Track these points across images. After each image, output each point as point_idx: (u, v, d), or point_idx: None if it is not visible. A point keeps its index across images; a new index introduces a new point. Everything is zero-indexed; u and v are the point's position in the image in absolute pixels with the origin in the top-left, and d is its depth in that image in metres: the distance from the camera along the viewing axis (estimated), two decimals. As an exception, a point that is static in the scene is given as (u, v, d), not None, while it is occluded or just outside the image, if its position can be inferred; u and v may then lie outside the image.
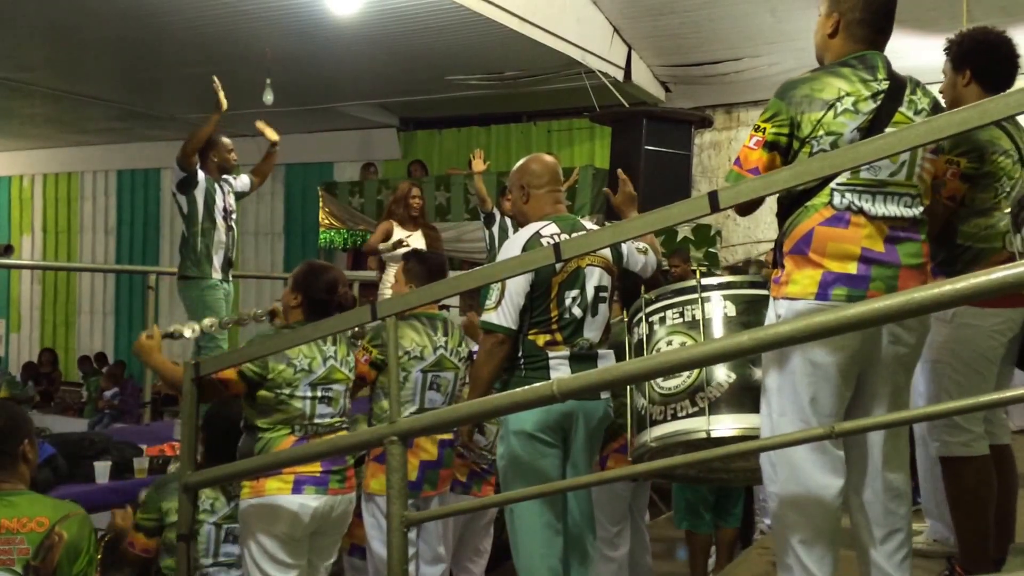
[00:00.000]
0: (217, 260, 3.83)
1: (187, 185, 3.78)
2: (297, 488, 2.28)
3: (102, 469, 2.92)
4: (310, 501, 2.29)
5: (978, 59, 1.95)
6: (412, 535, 2.83)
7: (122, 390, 7.50)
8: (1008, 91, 1.40)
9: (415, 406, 2.78)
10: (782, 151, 1.62)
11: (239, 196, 4.09)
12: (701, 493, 3.00)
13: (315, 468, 2.29)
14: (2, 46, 5.83)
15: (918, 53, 2.41)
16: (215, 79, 3.82)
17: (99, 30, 5.45)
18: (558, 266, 2.15)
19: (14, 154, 9.73)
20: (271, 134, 4.11)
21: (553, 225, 2.22)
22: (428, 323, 2.87)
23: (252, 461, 2.26)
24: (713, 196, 1.51)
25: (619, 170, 2.53)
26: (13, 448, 1.92)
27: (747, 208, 1.69)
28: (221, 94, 3.77)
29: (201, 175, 3.80)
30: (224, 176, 3.96)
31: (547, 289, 2.16)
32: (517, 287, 2.14)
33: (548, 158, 2.38)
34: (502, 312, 2.14)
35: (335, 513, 2.36)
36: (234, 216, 3.96)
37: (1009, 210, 1.83)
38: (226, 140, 3.92)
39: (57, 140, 9.07)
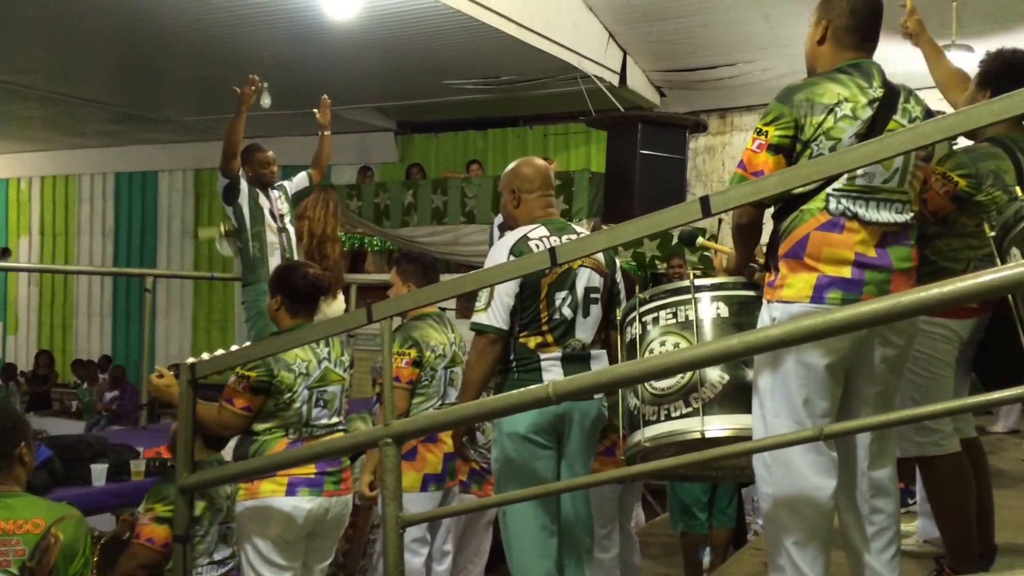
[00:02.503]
0: (273, 262, 3.83)
1: (231, 194, 3.83)
2: (291, 490, 2.29)
3: (99, 472, 2.92)
4: (304, 503, 2.29)
5: (999, 80, 1.97)
6: (428, 534, 2.87)
7: (121, 393, 7.49)
8: (992, 99, 1.41)
9: (440, 402, 2.85)
10: (787, 153, 1.64)
11: (300, 196, 4.08)
12: (695, 494, 3.02)
13: (309, 470, 2.30)
14: (0, 49, 5.84)
15: (909, 60, 2.43)
16: (252, 81, 3.73)
17: (97, 33, 5.46)
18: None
19: (11, 156, 9.73)
20: (321, 117, 4.09)
21: (542, 228, 2.24)
22: (439, 321, 2.94)
23: (248, 463, 2.27)
24: (705, 201, 1.53)
25: None
26: (9, 450, 1.93)
27: (751, 232, 1.71)
28: (249, 89, 3.73)
29: (244, 183, 3.86)
30: (274, 185, 4.01)
31: (536, 290, 2.18)
32: (506, 288, 2.15)
33: (539, 162, 2.39)
34: (492, 313, 2.16)
35: (330, 515, 2.37)
36: (287, 219, 3.98)
37: (993, 234, 1.85)
38: (263, 154, 3.94)
39: (54, 143, 9.07)
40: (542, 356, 2.18)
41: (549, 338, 2.19)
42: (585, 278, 2.24)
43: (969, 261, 1.91)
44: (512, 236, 2.25)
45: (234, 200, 3.84)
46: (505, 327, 2.16)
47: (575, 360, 2.20)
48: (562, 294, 2.20)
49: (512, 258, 2.15)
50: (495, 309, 2.16)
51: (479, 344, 2.19)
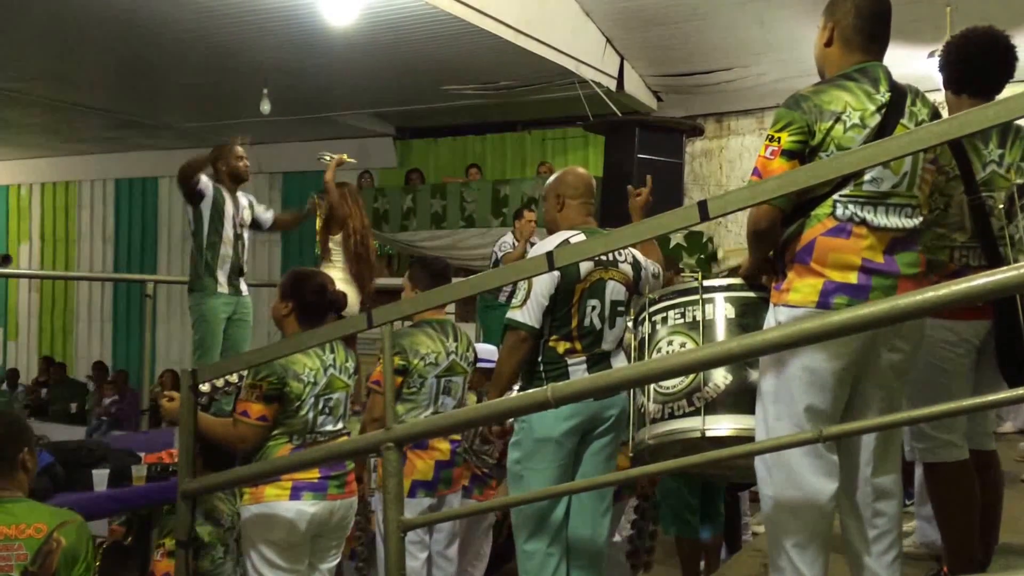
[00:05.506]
0: (222, 273, 3.87)
1: (194, 197, 3.85)
2: (295, 494, 2.29)
3: (100, 477, 2.92)
4: (307, 507, 2.30)
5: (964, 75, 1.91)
6: (426, 537, 2.88)
7: (121, 398, 7.50)
8: (987, 104, 1.42)
9: (430, 410, 2.84)
10: (801, 159, 1.63)
11: (255, 226, 4.13)
12: (684, 499, 3.03)
13: (313, 474, 2.31)
14: (0, 56, 5.86)
15: (902, 63, 2.44)
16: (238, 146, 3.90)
17: (97, 40, 5.49)
18: (583, 273, 2.23)
19: (12, 163, 9.76)
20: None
21: (581, 235, 2.28)
22: (440, 329, 2.93)
23: (249, 468, 2.28)
24: (703, 205, 1.54)
25: (648, 177, 2.57)
26: (12, 456, 1.94)
27: (767, 237, 1.68)
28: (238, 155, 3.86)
29: (210, 186, 3.86)
30: (242, 192, 4.03)
31: (570, 294, 2.23)
32: (542, 288, 2.20)
33: (583, 171, 2.47)
34: (527, 311, 2.21)
35: (335, 518, 2.38)
36: (245, 231, 4.00)
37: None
38: (236, 148, 3.95)
39: (55, 149, 9.10)
40: (570, 361, 2.23)
41: (578, 345, 2.24)
42: (612, 291, 2.29)
43: (952, 250, 1.88)
44: (553, 240, 2.29)
45: (198, 203, 3.84)
46: (538, 326, 2.22)
47: (599, 361, 2.26)
48: (594, 302, 2.25)
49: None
50: (530, 308, 2.21)
51: (511, 340, 2.23)
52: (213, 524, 2.40)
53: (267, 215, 4.20)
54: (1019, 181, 1.86)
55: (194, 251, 3.89)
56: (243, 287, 3.99)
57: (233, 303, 3.94)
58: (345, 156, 4.41)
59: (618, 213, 5.29)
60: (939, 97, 2.09)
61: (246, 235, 4.01)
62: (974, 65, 1.92)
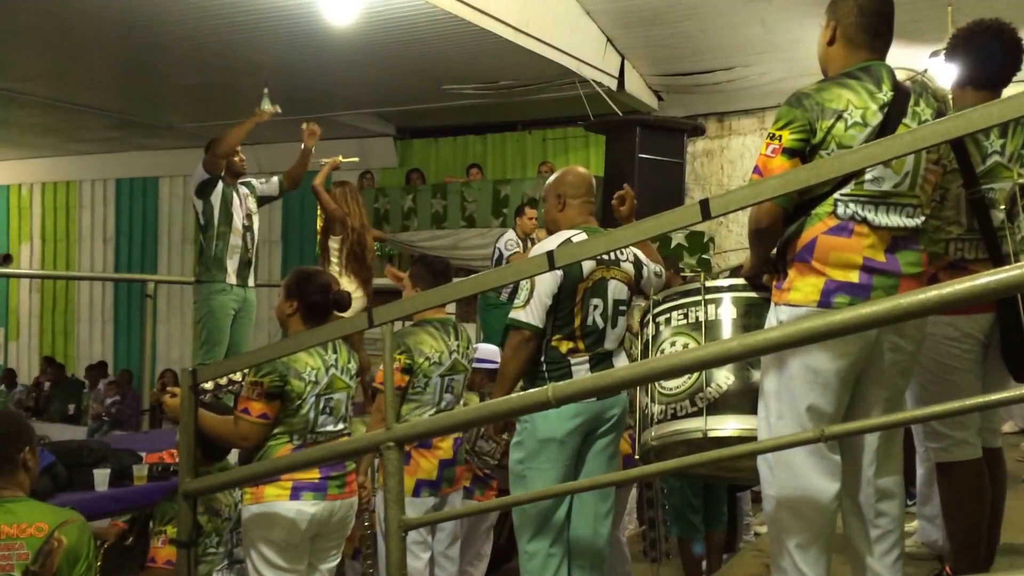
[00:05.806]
0: (232, 265, 3.91)
1: (206, 189, 3.86)
2: (295, 494, 2.29)
3: (101, 477, 2.92)
4: (308, 507, 2.30)
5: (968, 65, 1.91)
6: (429, 537, 2.88)
7: (122, 398, 7.50)
8: (991, 102, 1.42)
9: (435, 408, 2.85)
10: (802, 157, 1.63)
11: (266, 200, 4.18)
12: (688, 499, 3.04)
13: (313, 474, 2.31)
14: (1, 56, 5.87)
15: (904, 63, 2.44)
16: (264, 91, 3.90)
17: (97, 40, 5.49)
18: (586, 272, 2.23)
19: (13, 163, 9.76)
20: (308, 140, 4.22)
21: (583, 235, 2.28)
22: (441, 328, 2.93)
23: (250, 468, 2.28)
24: (704, 204, 1.54)
25: (625, 185, 2.59)
26: (13, 455, 1.95)
27: (769, 237, 1.67)
28: (268, 107, 3.87)
29: (220, 182, 3.90)
30: (242, 181, 4.05)
31: (572, 293, 2.23)
32: (545, 288, 2.20)
33: (583, 170, 2.46)
34: (530, 311, 2.21)
35: (335, 518, 2.38)
36: (253, 219, 4.04)
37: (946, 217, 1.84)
38: None
39: (55, 149, 9.10)
40: (572, 361, 2.23)
41: (580, 344, 2.24)
42: (615, 290, 2.29)
43: (947, 242, 1.87)
44: (555, 239, 2.29)
45: (207, 195, 3.87)
46: (541, 326, 2.22)
47: (601, 360, 2.26)
48: (596, 301, 2.25)
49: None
50: (533, 307, 2.21)
51: (514, 340, 2.23)
52: (211, 514, 2.40)
53: (272, 182, 4.20)
54: (1022, 181, 1.85)
55: (203, 243, 3.91)
56: (251, 280, 4.02)
57: (240, 299, 3.97)
58: (341, 157, 4.40)
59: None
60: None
61: (255, 227, 4.04)
62: (978, 58, 1.91)
